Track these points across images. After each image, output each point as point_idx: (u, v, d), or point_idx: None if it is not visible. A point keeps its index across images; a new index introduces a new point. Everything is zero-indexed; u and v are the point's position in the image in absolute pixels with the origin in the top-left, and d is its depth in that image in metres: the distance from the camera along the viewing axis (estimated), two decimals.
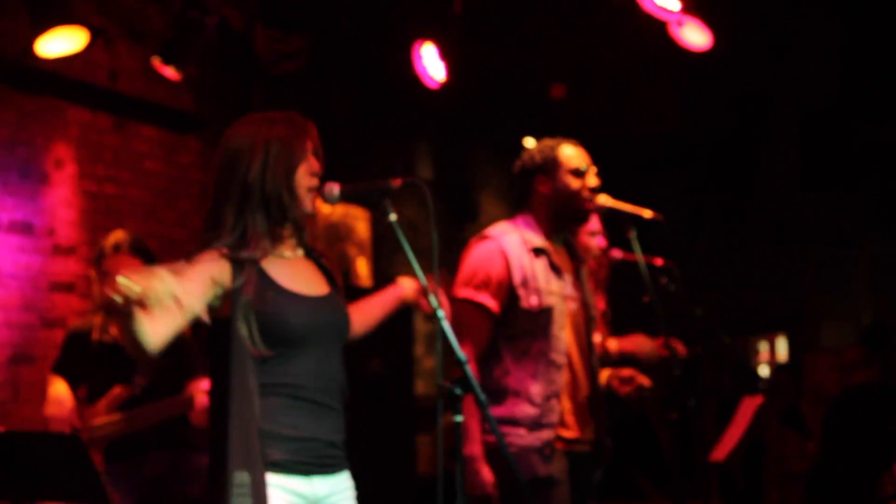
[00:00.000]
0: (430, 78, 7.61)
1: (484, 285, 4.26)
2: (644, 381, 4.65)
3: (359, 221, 9.34)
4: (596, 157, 4.45)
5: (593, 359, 4.46)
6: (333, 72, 8.55)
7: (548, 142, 4.43)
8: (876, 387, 6.86)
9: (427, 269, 3.33)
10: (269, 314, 3.13)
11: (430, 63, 7.56)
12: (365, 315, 3.60)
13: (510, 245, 4.31)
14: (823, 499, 7.06)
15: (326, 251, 3.48)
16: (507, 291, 4.26)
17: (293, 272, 3.31)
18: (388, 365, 7.69)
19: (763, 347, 11.71)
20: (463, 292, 4.29)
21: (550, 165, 4.37)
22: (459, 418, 3.18)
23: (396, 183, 3.35)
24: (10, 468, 4.19)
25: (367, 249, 9.50)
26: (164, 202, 7.65)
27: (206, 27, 6.54)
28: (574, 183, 4.34)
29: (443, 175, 10.65)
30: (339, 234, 9.19)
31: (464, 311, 4.24)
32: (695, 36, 6.48)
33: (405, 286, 3.69)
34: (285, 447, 3.16)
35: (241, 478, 3.06)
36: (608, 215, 4.54)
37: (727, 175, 10.38)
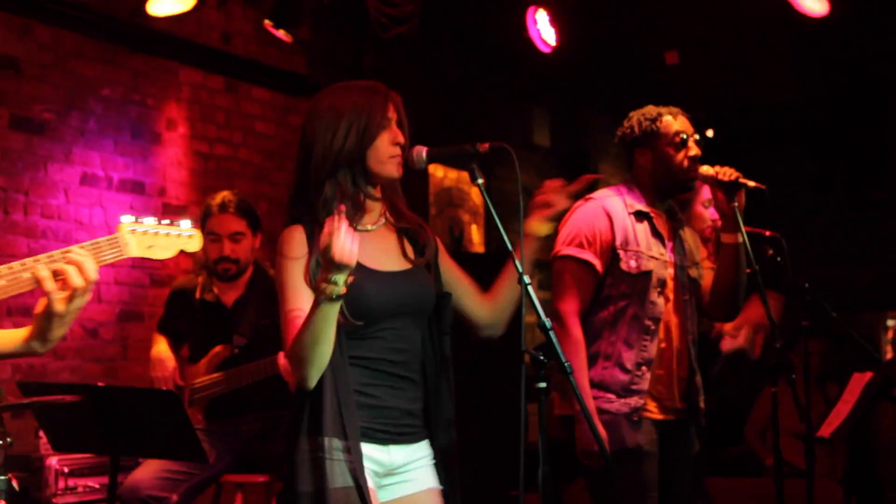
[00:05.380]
0: (543, 42, 7.58)
1: (588, 243, 4.22)
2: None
3: (473, 187, 9.30)
4: (711, 125, 4.33)
5: (693, 325, 4.37)
6: (445, 36, 8.49)
7: (649, 111, 4.35)
8: None
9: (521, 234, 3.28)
10: (348, 292, 3.08)
11: (543, 28, 7.52)
12: (492, 301, 3.48)
13: (613, 206, 4.27)
14: None
15: (418, 221, 3.45)
16: (610, 252, 4.22)
17: (373, 246, 3.30)
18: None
19: (892, 323, 11.34)
20: (566, 249, 4.25)
21: (650, 137, 4.30)
22: (543, 384, 3.14)
23: (484, 147, 3.28)
24: (110, 423, 4.24)
25: (481, 216, 9.46)
26: (274, 164, 7.69)
27: None
28: (674, 154, 4.27)
29: (560, 142, 10.55)
30: (451, 199, 9.17)
31: (567, 267, 4.20)
32: (812, 2, 6.32)
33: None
34: (362, 414, 3.17)
35: (336, 443, 3.10)
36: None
37: (851, 145, 10.11)
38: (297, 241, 3.20)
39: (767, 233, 4.86)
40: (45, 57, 6.28)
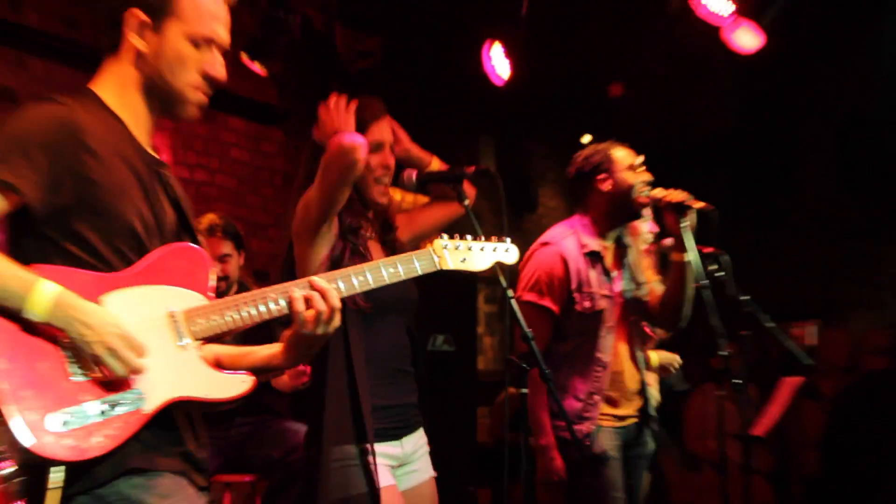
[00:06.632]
0: (498, 76, 7.80)
1: (548, 289, 4.45)
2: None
3: None
4: (650, 152, 4.60)
5: (641, 343, 4.62)
6: (406, 70, 8.68)
7: (599, 145, 4.59)
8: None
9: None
10: None
11: (498, 62, 7.70)
12: None
13: (569, 250, 4.49)
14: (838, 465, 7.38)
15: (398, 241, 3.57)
16: (566, 294, 4.45)
17: (376, 250, 3.47)
18: (453, 342, 7.90)
19: (798, 333, 11.84)
20: (527, 296, 4.47)
21: (608, 164, 4.52)
22: (525, 390, 3.31)
23: (470, 170, 3.48)
24: None
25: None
26: (248, 189, 7.84)
27: (290, 26, 6.80)
28: (631, 177, 4.49)
29: (504, 168, 10.74)
30: None
31: (528, 314, 4.28)
32: (747, 39, 6.60)
33: None
34: (379, 416, 3.28)
35: (348, 451, 3.21)
36: (659, 207, 4.53)
37: (771, 173, 10.46)
38: None
39: (709, 250, 4.82)
40: (40, 89, 6.34)
